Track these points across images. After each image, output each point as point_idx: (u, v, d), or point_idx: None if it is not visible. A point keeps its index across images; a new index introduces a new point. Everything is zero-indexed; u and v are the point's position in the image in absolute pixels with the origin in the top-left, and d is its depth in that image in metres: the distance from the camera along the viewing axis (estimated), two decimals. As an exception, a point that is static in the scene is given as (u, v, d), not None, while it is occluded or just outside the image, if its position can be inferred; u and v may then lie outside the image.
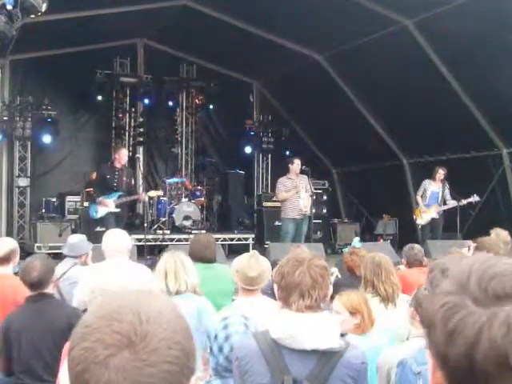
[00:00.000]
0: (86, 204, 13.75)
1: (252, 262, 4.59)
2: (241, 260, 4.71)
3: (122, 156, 12.22)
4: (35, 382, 4.42)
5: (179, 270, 4.65)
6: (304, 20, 13.16)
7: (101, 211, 11.86)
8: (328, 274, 2.97)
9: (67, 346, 3.43)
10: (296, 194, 12.46)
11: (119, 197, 11.99)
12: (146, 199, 13.19)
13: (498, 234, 7.39)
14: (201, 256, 6.28)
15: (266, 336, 2.83)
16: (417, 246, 6.92)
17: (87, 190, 12.02)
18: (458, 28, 11.49)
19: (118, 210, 11.98)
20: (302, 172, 12.78)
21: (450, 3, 11.10)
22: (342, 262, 6.68)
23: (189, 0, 14.26)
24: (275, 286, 3.00)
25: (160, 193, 14.09)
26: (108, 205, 11.84)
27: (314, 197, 13.12)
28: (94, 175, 12.98)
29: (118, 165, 12.18)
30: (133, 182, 13.10)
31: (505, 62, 11.62)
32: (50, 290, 4.80)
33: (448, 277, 1.19)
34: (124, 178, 12.14)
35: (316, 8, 12.47)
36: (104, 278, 4.78)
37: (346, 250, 6.85)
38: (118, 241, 5.88)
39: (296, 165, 12.69)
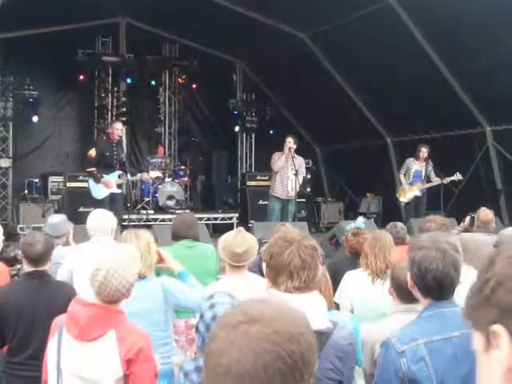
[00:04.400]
0: (85, 185, 13.26)
1: (239, 239, 4.59)
2: (228, 237, 4.72)
3: (115, 130, 11.77)
4: (30, 360, 4.41)
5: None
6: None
7: (104, 192, 11.37)
8: (318, 255, 2.93)
9: (56, 320, 3.43)
10: (286, 172, 12.26)
11: (119, 176, 11.63)
12: (150, 180, 12.92)
13: (484, 212, 7.43)
14: (184, 235, 6.25)
15: None
16: (399, 224, 6.91)
17: (90, 169, 11.60)
18: (442, 6, 11.46)
19: (119, 190, 11.64)
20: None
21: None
22: (344, 243, 6.59)
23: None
24: (264, 265, 2.97)
25: (161, 175, 13.81)
26: (111, 186, 11.43)
27: (301, 177, 12.68)
28: (93, 153, 12.02)
29: (113, 140, 11.76)
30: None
31: (489, 39, 11.60)
32: (46, 267, 4.80)
33: (500, 248, 1.09)
34: (121, 155, 11.80)
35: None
36: (102, 253, 4.75)
37: (348, 229, 6.72)
38: (102, 221, 5.87)
39: (287, 142, 12.31)
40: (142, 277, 4.41)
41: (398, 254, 6.05)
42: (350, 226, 6.77)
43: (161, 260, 4.74)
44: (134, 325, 3.52)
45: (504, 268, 1.13)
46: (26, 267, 4.80)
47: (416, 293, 2.98)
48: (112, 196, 11.51)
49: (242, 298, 3.88)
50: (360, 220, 7.30)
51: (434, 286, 2.82)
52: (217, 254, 5.40)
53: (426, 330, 2.76)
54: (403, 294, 3.67)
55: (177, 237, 6.30)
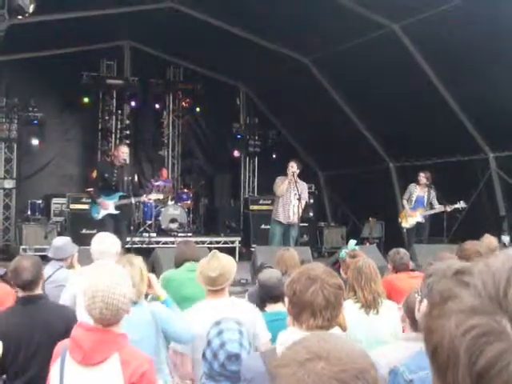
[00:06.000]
0: (85, 207, 13.33)
1: (212, 263, 4.52)
2: (203, 261, 4.67)
3: (120, 153, 11.76)
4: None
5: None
6: (292, 23, 13.17)
7: (101, 212, 11.46)
8: (342, 293, 2.89)
9: (59, 345, 3.41)
10: (288, 197, 12.27)
11: (120, 198, 11.61)
12: (151, 202, 12.83)
13: (488, 239, 7.41)
14: (188, 258, 6.39)
15: (274, 357, 2.71)
16: (402, 250, 6.85)
17: (87, 189, 11.67)
18: (445, 33, 11.51)
19: (117, 212, 11.55)
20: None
21: (436, 8, 11.14)
22: (342, 268, 6.53)
23: (175, 3, 14.24)
24: (286, 300, 2.92)
25: (161, 196, 13.78)
26: (107, 207, 11.46)
27: (304, 202, 12.58)
28: (95, 173, 12.28)
29: (117, 162, 11.73)
30: (136, 180, 12.51)
31: (491, 66, 11.64)
32: (39, 290, 4.74)
33: (470, 285, 0.84)
34: (125, 177, 11.67)
35: (304, 11, 12.47)
36: (91, 281, 4.75)
37: (342, 254, 6.67)
38: (106, 244, 5.86)
39: (290, 166, 12.27)
40: (134, 303, 4.41)
41: (402, 280, 6.05)
42: (344, 251, 6.74)
43: (149, 286, 4.71)
44: (137, 349, 3.51)
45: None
46: (19, 291, 4.77)
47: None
48: (116, 218, 11.54)
49: (248, 326, 3.86)
50: (352, 243, 7.26)
51: None
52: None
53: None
54: (415, 322, 3.65)
55: (180, 262, 6.38)
